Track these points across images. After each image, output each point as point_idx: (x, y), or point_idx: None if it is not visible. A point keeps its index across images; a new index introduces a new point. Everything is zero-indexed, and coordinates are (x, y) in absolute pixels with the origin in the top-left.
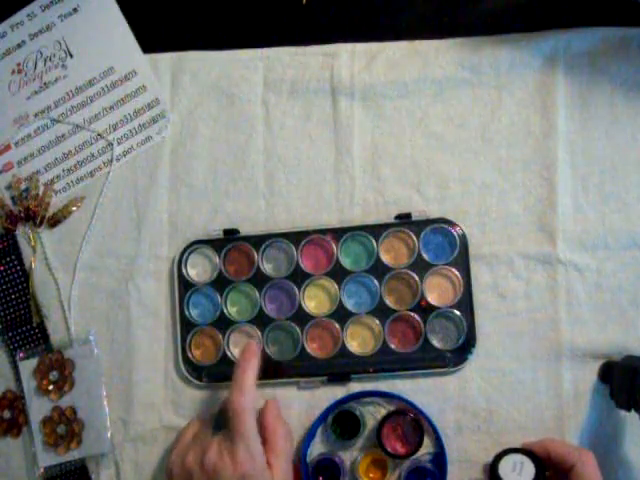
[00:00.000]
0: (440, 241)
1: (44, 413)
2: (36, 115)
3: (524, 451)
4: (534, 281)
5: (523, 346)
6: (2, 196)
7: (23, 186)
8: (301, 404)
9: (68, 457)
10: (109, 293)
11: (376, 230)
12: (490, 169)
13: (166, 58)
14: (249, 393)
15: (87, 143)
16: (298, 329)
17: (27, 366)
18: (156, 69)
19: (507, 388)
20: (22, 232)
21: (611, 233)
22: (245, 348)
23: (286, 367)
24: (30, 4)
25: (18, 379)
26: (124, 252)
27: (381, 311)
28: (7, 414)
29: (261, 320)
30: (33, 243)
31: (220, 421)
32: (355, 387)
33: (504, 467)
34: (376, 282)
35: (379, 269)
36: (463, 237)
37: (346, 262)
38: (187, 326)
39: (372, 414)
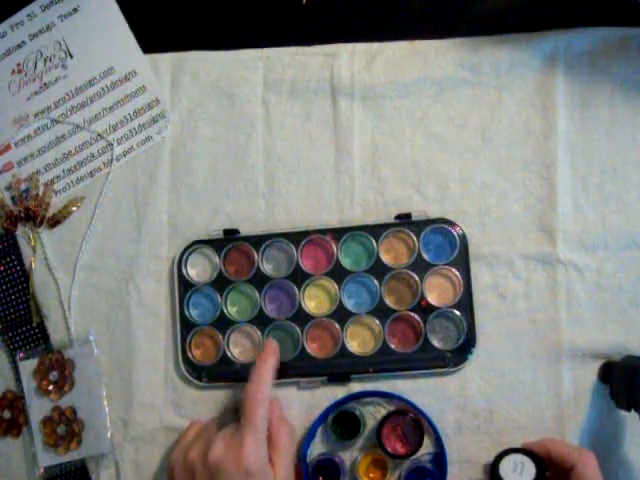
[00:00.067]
0: (440, 241)
1: (44, 413)
2: (36, 115)
3: (525, 451)
4: (534, 281)
5: (523, 346)
6: (2, 196)
7: (23, 186)
8: (301, 404)
9: (68, 457)
10: (109, 293)
11: (376, 230)
12: (490, 169)
13: (166, 58)
14: (266, 386)
15: (87, 143)
16: (298, 329)
17: (27, 366)
18: (156, 69)
19: (507, 388)
20: (22, 232)
21: (611, 233)
22: (266, 345)
23: (286, 367)
24: (30, 4)
25: (18, 379)
26: (124, 252)
27: (381, 311)
28: (7, 414)
29: (261, 320)
30: (33, 243)
31: (225, 421)
32: (355, 387)
33: (505, 467)
34: (376, 282)
35: (379, 269)
36: (463, 237)
37: (346, 262)
38: (187, 326)
39: (372, 414)
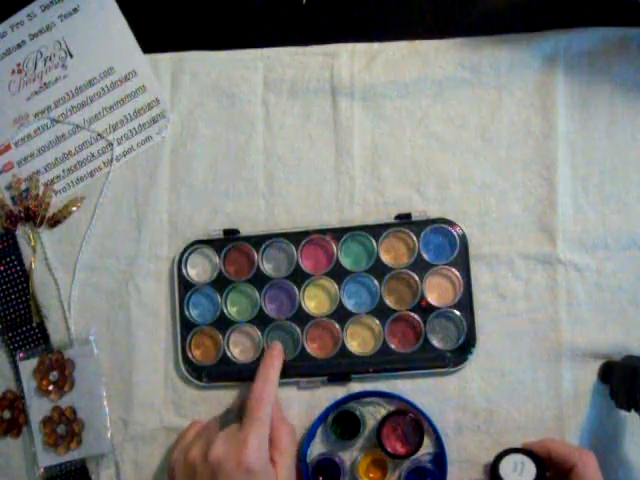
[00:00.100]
0: (440, 241)
1: (44, 413)
2: (36, 115)
3: (525, 451)
4: (534, 281)
5: (523, 346)
6: (2, 196)
7: (23, 186)
8: (301, 404)
9: (68, 457)
10: (109, 293)
11: (376, 230)
12: (490, 169)
13: (166, 58)
14: (271, 386)
15: (87, 143)
16: (298, 329)
17: (27, 366)
18: (156, 69)
19: (507, 388)
20: (22, 232)
21: (611, 233)
22: (272, 347)
23: (286, 367)
24: (30, 4)
25: (18, 379)
26: (124, 252)
27: (381, 311)
28: (7, 414)
29: (261, 320)
30: (33, 243)
31: (227, 420)
32: (355, 387)
33: (505, 467)
34: (376, 282)
35: (379, 269)
36: (463, 237)
37: (346, 262)
38: (187, 326)
39: (372, 414)
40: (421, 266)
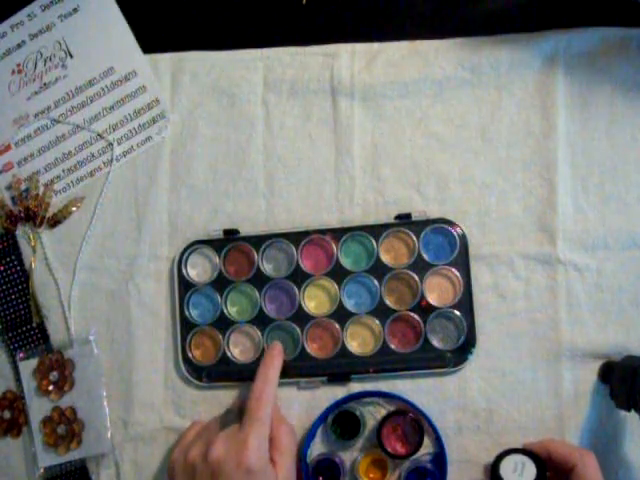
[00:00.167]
0: (440, 241)
1: (44, 413)
2: (36, 115)
3: (525, 451)
4: (534, 281)
5: (523, 346)
6: (2, 196)
7: (23, 186)
8: (301, 404)
9: (68, 457)
10: (109, 293)
11: (376, 230)
12: (490, 169)
13: (166, 58)
14: (271, 387)
15: (87, 143)
16: (298, 329)
17: (27, 366)
18: (156, 69)
19: (507, 388)
20: (22, 232)
21: (611, 233)
22: (272, 347)
23: (286, 367)
24: (30, 4)
25: (18, 379)
26: (124, 252)
27: (381, 311)
28: (7, 414)
29: (261, 320)
30: (33, 243)
31: (227, 420)
32: (355, 387)
33: (505, 467)
34: (376, 282)
35: (379, 269)
36: (463, 237)
37: (346, 262)
38: (187, 326)
39: (372, 414)
40: (421, 266)
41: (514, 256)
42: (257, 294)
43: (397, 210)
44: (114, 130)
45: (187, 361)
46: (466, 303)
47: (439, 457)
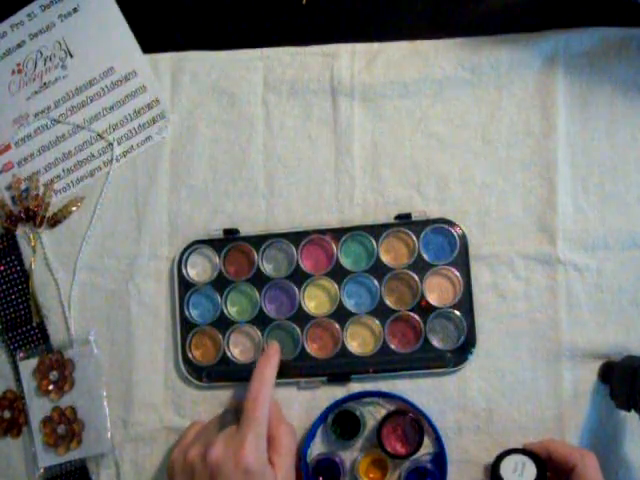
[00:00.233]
0: (440, 241)
1: (44, 413)
2: (36, 115)
3: (525, 452)
4: (534, 281)
5: (523, 346)
6: (2, 196)
7: (23, 186)
8: (301, 404)
9: (68, 457)
10: (109, 293)
11: (376, 230)
12: (490, 169)
13: (166, 58)
14: (268, 387)
15: (87, 143)
16: (298, 329)
17: (27, 366)
18: (156, 69)
19: (507, 388)
20: (22, 232)
21: (611, 233)
22: (269, 346)
23: (286, 367)
24: (30, 4)
25: (18, 379)
26: (124, 252)
27: (381, 311)
28: (7, 414)
29: (261, 320)
30: (33, 243)
31: (225, 421)
32: (355, 387)
33: (505, 467)
34: (376, 282)
35: (379, 269)
36: (463, 237)
37: (346, 262)
38: (187, 326)
39: (372, 414)
40: (421, 266)
41: (514, 256)
42: (257, 294)
43: (397, 210)
44: (114, 130)
45: (187, 361)
46: (466, 303)
47: (439, 457)
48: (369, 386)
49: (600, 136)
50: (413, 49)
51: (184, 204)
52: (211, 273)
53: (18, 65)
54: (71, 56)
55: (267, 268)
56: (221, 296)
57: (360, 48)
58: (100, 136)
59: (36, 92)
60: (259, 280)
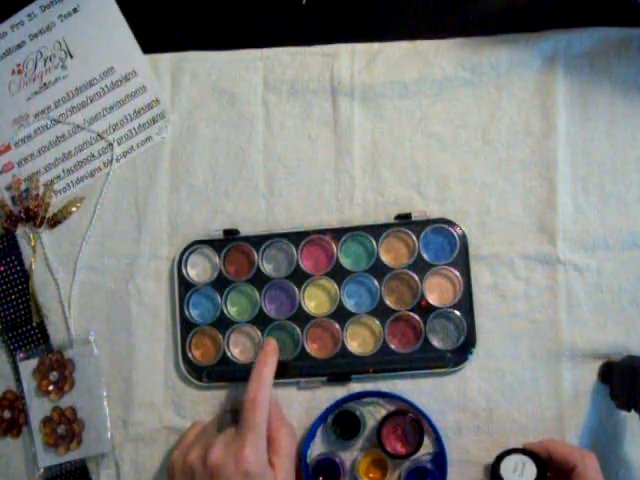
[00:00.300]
0: (440, 241)
1: (44, 413)
2: (36, 115)
3: (525, 451)
4: (534, 281)
5: (523, 346)
6: (2, 196)
7: (23, 186)
8: (301, 404)
9: (68, 457)
10: (109, 293)
11: (376, 230)
12: (490, 169)
13: (166, 58)
14: (266, 386)
15: (87, 143)
16: (298, 329)
17: (27, 366)
18: (156, 69)
19: (507, 388)
20: (22, 232)
21: (611, 233)
22: (266, 344)
23: (286, 367)
24: (30, 4)
25: (18, 379)
26: (124, 252)
27: (381, 311)
28: (7, 414)
29: (261, 320)
30: (33, 243)
31: (224, 422)
32: (355, 387)
33: (506, 467)
34: (376, 282)
35: (379, 269)
36: (463, 237)
37: (346, 262)
38: (187, 326)
39: (372, 414)
40: (421, 266)
41: (514, 256)
42: (257, 294)
43: (397, 210)
44: (114, 130)
45: (187, 361)
46: (466, 303)
47: (439, 457)
48: (369, 386)
49: (600, 136)
50: (413, 49)
51: (184, 204)
52: (211, 273)
53: (18, 65)
54: (71, 56)
55: (267, 268)
56: (221, 296)
57: (360, 48)
58: (100, 136)
59: (36, 92)
60: (259, 280)
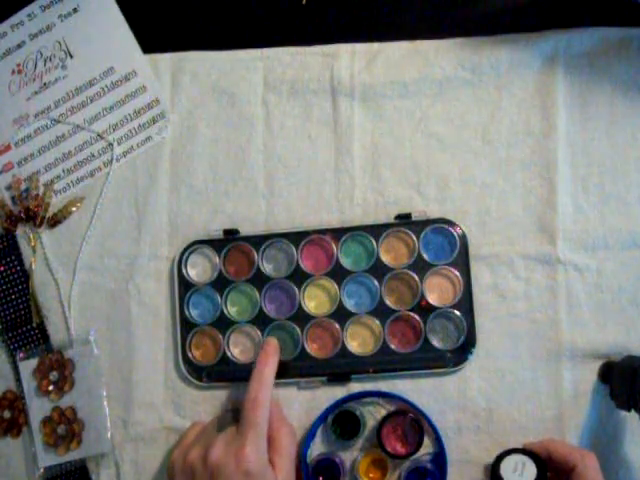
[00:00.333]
0: (440, 241)
1: (44, 413)
2: (36, 115)
3: (525, 451)
4: (534, 281)
5: (523, 346)
6: (2, 196)
7: (23, 186)
8: (301, 404)
9: (68, 457)
10: (109, 293)
11: (376, 230)
12: (490, 169)
13: (166, 58)
14: (268, 386)
15: (87, 143)
16: (298, 329)
17: (27, 366)
18: (156, 69)
19: (507, 388)
20: (22, 232)
21: (611, 233)
22: (266, 343)
23: (286, 367)
24: (30, 4)
25: (18, 379)
26: (124, 252)
27: (381, 311)
28: (7, 414)
29: (261, 320)
30: (33, 243)
31: (225, 422)
32: (355, 387)
33: (505, 467)
34: (376, 282)
35: (379, 269)
36: (463, 237)
37: (346, 262)
38: (187, 326)
39: (372, 414)
40: (421, 266)
41: (514, 256)
42: (257, 294)
43: (397, 210)
44: (114, 130)
45: (187, 361)
46: (466, 303)
47: (439, 457)
48: (369, 386)
49: (600, 136)
50: (413, 49)
51: (184, 204)
52: (211, 273)
53: (18, 65)
54: (71, 56)
55: (267, 268)
56: (221, 296)
57: (360, 48)
58: (100, 136)
59: (36, 92)
60: (259, 280)
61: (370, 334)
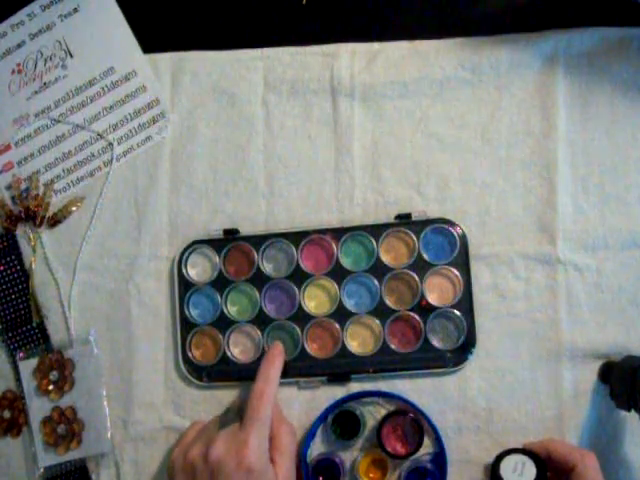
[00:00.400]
0: (440, 241)
1: (44, 413)
2: (36, 115)
3: (525, 451)
4: (534, 281)
5: (523, 346)
6: (2, 196)
7: (23, 186)
8: (301, 404)
9: (68, 457)
10: (109, 293)
11: (376, 230)
12: (490, 169)
13: (166, 58)
14: (272, 386)
15: (87, 143)
16: (298, 329)
17: (27, 366)
18: (156, 69)
19: (507, 388)
20: (22, 232)
21: (611, 233)
22: (273, 346)
23: (286, 367)
24: (30, 4)
25: (18, 379)
26: (124, 252)
27: (381, 311)
28: (7, 414)
29: (261, 320)
30: (33, 243)
31: (226, 420)
32: (355, 387)
33: (505, 467)
34: (376, 282)
35: (379, 269)
36: (463, 237)
37: (346, 262)
38: (187, 326)
39: (372, 414)
40: (421, 266)
41: (514, 256)
42: (257, 294)
43: (397, 210)
44: (114, 130)
45: (187, 361)
46: (466, 303)
47: (439, 457)
48: (369, 386)
49: (600, 136)
50: (413, 49)
51: (184, 204)
52: (211, 273)
53: (18, 65)
54: (71, 56)
55: (267, 268)
56: (221, 296)
57: (360, 48)
58: (100, 136)
59: (36, 92)
60: (259, 280)
61: (370, 334)
